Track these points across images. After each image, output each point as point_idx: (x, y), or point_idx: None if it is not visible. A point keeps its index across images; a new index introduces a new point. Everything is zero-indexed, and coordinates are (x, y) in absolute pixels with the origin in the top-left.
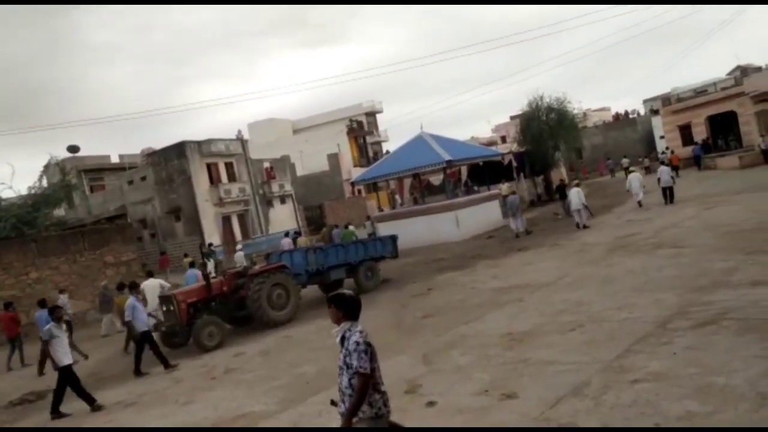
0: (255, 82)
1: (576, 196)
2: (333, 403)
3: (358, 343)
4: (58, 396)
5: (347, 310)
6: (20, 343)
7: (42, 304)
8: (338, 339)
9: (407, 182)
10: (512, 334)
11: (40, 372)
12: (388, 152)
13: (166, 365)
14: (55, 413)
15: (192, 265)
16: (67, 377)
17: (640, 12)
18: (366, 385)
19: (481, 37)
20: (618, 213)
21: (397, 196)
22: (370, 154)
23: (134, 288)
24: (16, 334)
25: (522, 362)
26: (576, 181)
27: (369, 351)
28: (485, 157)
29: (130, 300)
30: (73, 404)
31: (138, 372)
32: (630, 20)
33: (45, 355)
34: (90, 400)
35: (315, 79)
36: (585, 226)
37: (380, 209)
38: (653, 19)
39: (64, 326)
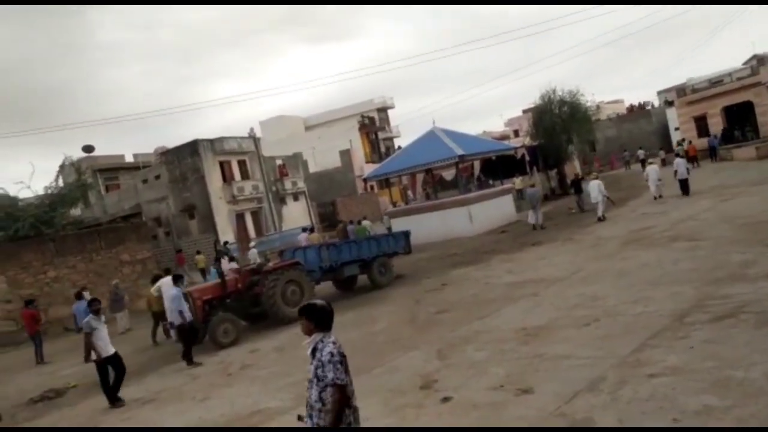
0: (264, 80)
1: (596, 188)
2: (300, 418)
3: (332, 354)
4: (116, 384)
5: (318, 321)
6: (40, 341)
7: (79, 296)
8: (309, 351)
9: (420, 178)
10: (527, 329)
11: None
12: (400, 148)
13: (190, 361)
14: (113, 400)
15: (218, 259)
16: (102, 368)
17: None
18: (344, 397)
19: (491, 31)
20: (633, 206)
21: (410, 192)
22: (382, 149)
23: (178, 279)
24: (35, 331)
25: (537, 357)
26: (594, 174)
27: (344, 362)
28: (498, 151)
29: (175, 291)
30: (87, 401)
31: (190, 360)
32: (640, 12)
33: (89, 346)
34: (112, 399)
35: (326, 75)
36: (600, 219)
37: (394, 205)
38: (656, 13)
39: (103, 318)
